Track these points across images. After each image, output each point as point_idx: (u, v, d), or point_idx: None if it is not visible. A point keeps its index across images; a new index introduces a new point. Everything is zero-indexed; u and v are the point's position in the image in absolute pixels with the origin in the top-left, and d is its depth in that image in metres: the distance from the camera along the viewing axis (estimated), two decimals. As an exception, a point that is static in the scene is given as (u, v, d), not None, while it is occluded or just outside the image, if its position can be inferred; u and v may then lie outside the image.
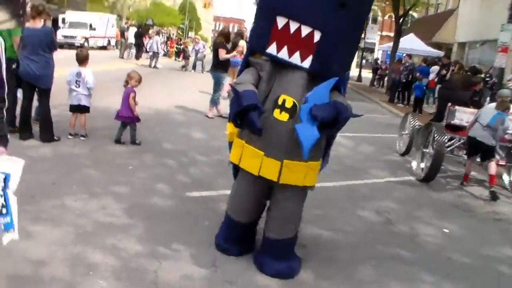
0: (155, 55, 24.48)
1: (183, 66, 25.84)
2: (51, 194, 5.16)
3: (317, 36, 3.68)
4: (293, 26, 3.72)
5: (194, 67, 26.00)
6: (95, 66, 15.54)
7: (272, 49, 3.82)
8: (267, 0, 3.97)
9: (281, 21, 3.75)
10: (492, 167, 7.47)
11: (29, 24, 7.02)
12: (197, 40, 28.00)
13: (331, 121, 3.51)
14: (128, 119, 7.64)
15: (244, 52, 5.70)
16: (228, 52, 11.04)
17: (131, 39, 28.90)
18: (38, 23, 7.10)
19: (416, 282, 4.30)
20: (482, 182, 8.18)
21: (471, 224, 6.17)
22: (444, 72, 17.14)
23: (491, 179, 7.49)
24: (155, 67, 23.90)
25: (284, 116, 3.71)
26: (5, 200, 2.75)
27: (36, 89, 7.28)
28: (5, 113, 2.95)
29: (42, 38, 7.07)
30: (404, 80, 19.66)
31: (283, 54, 3.79)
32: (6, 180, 2.72)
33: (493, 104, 7.92)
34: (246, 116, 3.52)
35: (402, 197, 6.90)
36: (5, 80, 2.95)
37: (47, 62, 7.15)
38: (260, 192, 4.01)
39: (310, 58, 3.73)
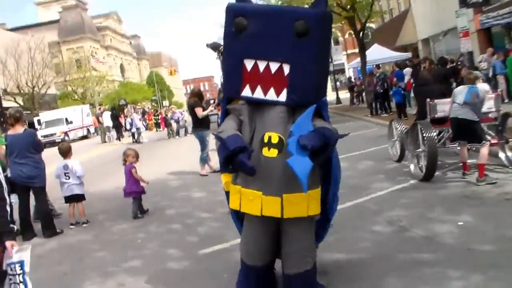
0: (138, 131, 24.87)
1: (171, 133, 26.00)
2: (65, 285, 5.16)
3: (286, 69, 3.78)
4: (262, 65, 3.82)
5: (178, 133, 26.39)
6: (80, 155, 15.67)
7: (246, 91, 3.90)
8: (230, 48, 4.04)
9: (249, 63, 3.85)
10: (482, 155, 7.30)
11: (11, 132, 7.19)
12: (174, 110, 28.07)
13: (321, 148, 3.53)
14: (135, 193, 7.83)
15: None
16: (204, 109, 11.21)
17: (107, 123, 28.82)
18: (20, 129, 7.25)
19: (445, 281, 4.22)
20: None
21: (483, 210, 6.13)
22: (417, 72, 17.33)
23: (480, 170, 7.28)
24: (138, 141, 24.07)
25: (273, 152, 3.73)
26: (25, 286, 3.18)
27: (31, 189, 7.35)
28: (8, 209, 3.13)
29: (27, 141, 7.22)
30: (381, 90, 19.82)
31: (258, 93, 3.86)
32: (22, 267, 3.13)
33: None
34: (235, 159, 3.54)
35: (409, 202, 6.88)
36: (2, 180, 3.14)
37: (37, 163, 7.30)
38: (268, 232, 3.97)
39: (284, 91, 3.81)
